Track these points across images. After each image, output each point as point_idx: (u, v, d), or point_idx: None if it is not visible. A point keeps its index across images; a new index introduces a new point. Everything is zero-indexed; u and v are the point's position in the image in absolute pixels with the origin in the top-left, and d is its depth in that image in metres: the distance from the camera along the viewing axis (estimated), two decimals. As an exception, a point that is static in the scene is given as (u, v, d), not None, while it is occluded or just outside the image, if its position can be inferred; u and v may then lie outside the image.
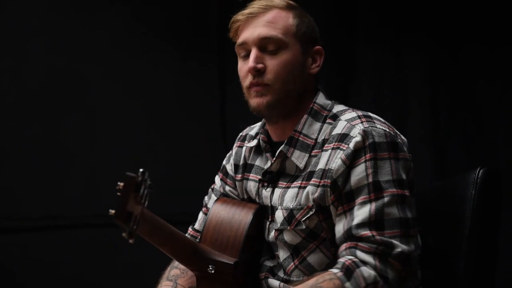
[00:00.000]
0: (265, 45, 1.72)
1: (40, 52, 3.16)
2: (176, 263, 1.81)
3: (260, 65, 1.71)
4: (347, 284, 1.48)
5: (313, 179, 1.65)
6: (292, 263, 1.71)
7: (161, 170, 2.97)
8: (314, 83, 1.79)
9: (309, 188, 1.65)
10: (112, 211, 1.23)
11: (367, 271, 1.50)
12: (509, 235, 2.92)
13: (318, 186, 1.64)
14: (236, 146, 1.93)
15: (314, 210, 1.64)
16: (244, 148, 1.90)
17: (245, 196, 1.86)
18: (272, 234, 1.73)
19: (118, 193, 1.22)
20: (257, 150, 1.84)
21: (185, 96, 3.25)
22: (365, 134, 1.60)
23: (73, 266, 3.07)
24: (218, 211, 1.74)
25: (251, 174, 1.84)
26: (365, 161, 1.59)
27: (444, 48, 3.27)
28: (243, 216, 1.71)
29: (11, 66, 3.15)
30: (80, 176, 3.15)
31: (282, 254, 1.73)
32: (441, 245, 1.76)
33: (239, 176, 1.89)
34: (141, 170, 1.24)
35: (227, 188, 1.92)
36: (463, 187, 1.71)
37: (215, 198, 1.90)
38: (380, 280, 1.50)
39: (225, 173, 1.93)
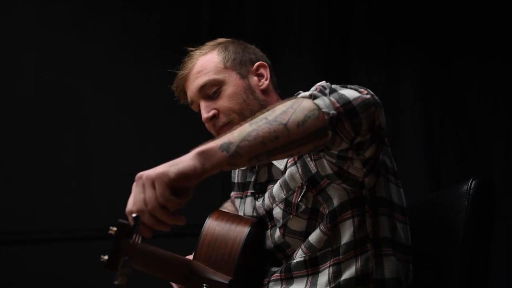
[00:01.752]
0: (206, 92, 1.80)
1: (32, 68, 3.16)
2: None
3: (212, 112, 1.79)
4: (316, 100, 1.40)
5: (288, 165, 1.68)
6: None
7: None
8: (277, 94, 1.86)
9: (290, 170, 1.67)
10: (105, 258, 1.23)
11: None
12: (501, 245, 2.94)
13: (295, 162, 1.66)
14: None
15: (305, 186, 1.64)
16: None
17: (243, 214, 1.87)
18: (277, 234, 1.71)
19: (111, 238, 1.24)
20: (248, 168, 1.87)
21: (179, 108, 3.26)
22: None
23: (70, 279, 3.06)
24: (212, 226, 1.71)
25: (248, 191, 1.86)
26: None
27: (436, 61, 3.31)
28: (238, 232, 1.68)
29: (4, 80, 3.15)
30: (75, 190, 3.15)
31: (296, 247, 1.70)
32: (434, 255, 1.76)
33: (236, 193, 1.92)
34: (134, 215, 1.26)
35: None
36: (456, 198, 1.72)
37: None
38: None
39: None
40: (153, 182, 1.28)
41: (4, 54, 3.15)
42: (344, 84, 1.48)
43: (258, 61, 1.85)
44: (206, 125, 1.82)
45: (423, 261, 1.73)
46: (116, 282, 1.23)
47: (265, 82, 1.83)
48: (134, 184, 1.31)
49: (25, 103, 3.14)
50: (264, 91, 1.83)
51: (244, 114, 1.76)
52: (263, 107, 1.75)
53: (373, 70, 3.32)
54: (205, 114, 1.80)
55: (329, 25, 3.36)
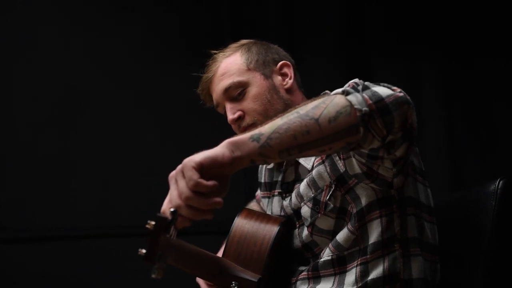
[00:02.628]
0: (231, 94, 1.82)
1: (50, 67, 3.17)
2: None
3: (237, 114, 1.81)
4: (349, 97, 1.39)
5: (315, 164, 1.69)
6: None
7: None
8: (301, 93, 1.88)
9: (317, 169, 1.68)
10: (143, 251, 1.24)
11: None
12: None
13: (323, 161, 1.67)
14: None
15: (334, 185, 1.65)
16: (263, 167, 1.95)
17: (271, 213, 1.88)
18: (305, 232, 1.72)
19: (148, 232, 1.24)
20: (274, 167, 1.89)
21: (199, 108, 3.27)
22: None
23: (84, 277, 3.07)
24: (242, 224, 1.73)
25: (276, 190, 1.87)
26: None
27: (458, 60, 3.29)
28: (267, 231, 1.70)
29: (20, 79, 3.17)
30: (91, 188, 3.16)
31: (324, 246, 1.70)
32: (459, 255, 1.75)
33: (263, 193, 1.94)
34: (171, 209, 1.26)
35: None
36: (482, 198, 1.71)
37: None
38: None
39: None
40: (182, 172, 1.28)
41: (22, 51, 3.15)
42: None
43: (282, 60, 1.87)
44: (233, 126, 1.84)
45: (448, 260, 1.73)
46: (153, 276, 1.25)
47: (289, 81, 1.85)
48: (170, 184, 1.31)
49: (44, 101, 3.14)
50: (289, 90, 1.84)
51: (268, 114, 1.78)
52: (288, 106, 1.76)
53: (394, 70, 3.32)
54: (230, 116, 1.82)
55: (349, 25, 3.36)
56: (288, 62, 1.87)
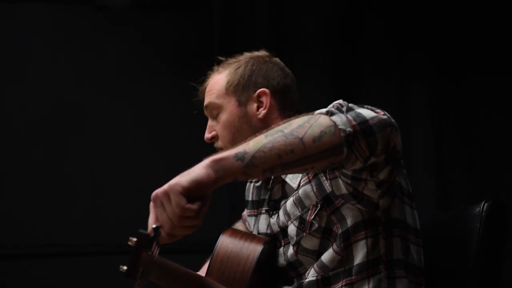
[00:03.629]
0: (209, 113, 1.85)
1: (43, 80, 3.18)
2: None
3: (211, 134, 1.84)
4: (333, 117, 1.40)
5: (302, 183, 1.68)
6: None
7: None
8: (278, 121, 1.76)
9: (304, 188, 1.67)
10: (124, 268, 1.24)
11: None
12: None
13: (310, 181, 1.66)
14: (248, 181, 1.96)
15: (319, 205, 1.64)
16: (251, 185, 1.94)
17: (256, 232, 1.87)
18: (290, 251, 1.71)
19: (130, 249, 1.24)
20: (262, 186, 1.88)
21: (190, 120, 3.27)
22: None
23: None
24: (226, 243, 1.72)
25: (263, 208, 1.86)
26: None
27: (446, 77, 3.31)
28: (251, 250, 1.69)
29: (15, 94, 3.16)
30: (83, 204, 3.16)
31: (308, 266, 1.69)
32: (445, 276, 1.76)
33: (250, 211, 1.92)
34: (154, 226, 1.27)
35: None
36: (467, 220, 1.72)
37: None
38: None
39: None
40: (168, 195, 1.29)
41: (16, 66, 3.17)
42: (355, 102, 1.49)
43: (263, 87, 1.81)
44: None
45: (434, 281, 1.73)
46: None
47: (262, 112, 1.80)
48: (151, 204, 1.32)
49: (39, 117, 3.16)
50: (263, 120, 1.80)
51: (236, 142, 1.71)
52: None
53: (383, 86, 3.33)
54: (206, 134, 1.84)
55: (340, 39, 3.38)
56: (266, 90, 1.81)
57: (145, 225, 1.33)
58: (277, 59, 1.89)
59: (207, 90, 1.85)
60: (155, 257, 1.27)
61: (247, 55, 1.88)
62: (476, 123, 3.26)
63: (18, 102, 3.16)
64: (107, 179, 3.18)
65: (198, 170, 1.30)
